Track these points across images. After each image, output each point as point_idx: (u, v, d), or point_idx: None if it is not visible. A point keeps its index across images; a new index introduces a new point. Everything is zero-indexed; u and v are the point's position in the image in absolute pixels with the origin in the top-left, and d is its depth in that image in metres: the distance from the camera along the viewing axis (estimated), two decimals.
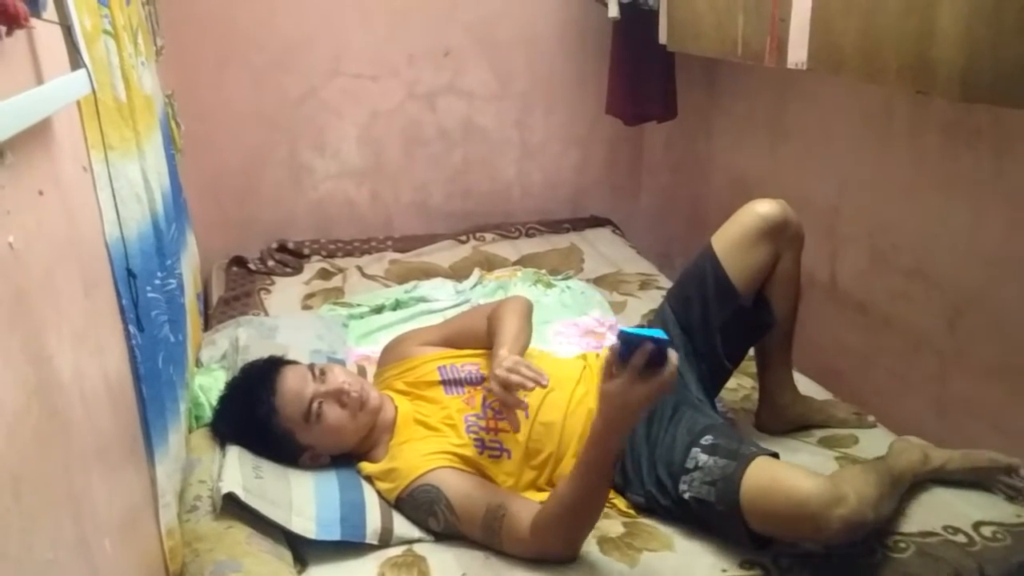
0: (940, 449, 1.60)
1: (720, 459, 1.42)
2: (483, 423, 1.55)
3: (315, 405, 1.52)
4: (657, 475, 1.51)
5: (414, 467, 1.50)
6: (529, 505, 1.43)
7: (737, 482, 1.36)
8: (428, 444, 1.54)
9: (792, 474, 1.36)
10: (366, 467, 1.57)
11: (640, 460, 1.55)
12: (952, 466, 1.56)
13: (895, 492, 1.46)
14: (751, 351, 1.79)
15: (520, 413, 1.49)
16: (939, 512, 1.50)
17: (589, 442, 1.31)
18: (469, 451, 1.52)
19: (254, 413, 1.53)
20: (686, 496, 1.44)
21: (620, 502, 1.56)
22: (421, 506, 1.47)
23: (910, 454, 1.56)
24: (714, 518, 1.40)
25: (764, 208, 1.63)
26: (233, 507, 1.40)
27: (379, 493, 1.53)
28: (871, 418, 1.79)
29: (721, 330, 1.66)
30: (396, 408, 1.63)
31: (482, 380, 1.61)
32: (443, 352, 1.74)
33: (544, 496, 1.54)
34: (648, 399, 1.22)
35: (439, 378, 1.66)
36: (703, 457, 1.44)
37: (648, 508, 1.53)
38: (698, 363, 1.68)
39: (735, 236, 1.64)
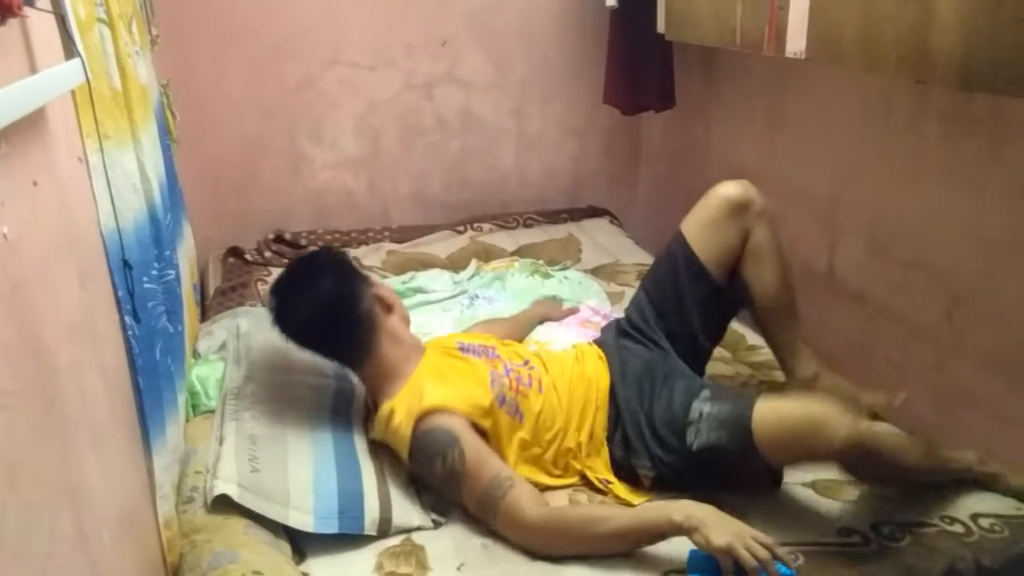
0: (1001, 461, 1.58)
1: (724, 404, 1.48)
2: (506, 380, 1.60)
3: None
4: (660, 435, 1.54)
5: (439, 396, 1.51)
6: (532, 492, 1.45)
7: (747, 419, 1.42)
8: (453, 387, 1.56)
9: (801, 400, 1.48)
10: (385, 407, 1.56)
11: (640, 426, 1.58)
12: (1017, 483, 1.53)
13: (923, 454, 1.49)
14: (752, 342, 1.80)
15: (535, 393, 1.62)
16: (937, 503, 1.50)
17: (655, 509, 1.37)
18: (488, 400, 1.54)
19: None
20: (695, 447, 1.48)
21: (619, 488, 1.57)
22: (434, 444, 1.47)
23: (966, 449, 1.57)
24: (729, 460, 1.44)
25: (727, 189, 1.72)
26: (229, 499, 1.40)
27: (388, 444, 1.56)
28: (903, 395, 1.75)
29: (695, 309, 1.72)
30: (423, 357, 1.65)
31: (499, 357, 1.67)
32: (462, 332, 1.85)
33: (547, 480, 1.58)
34: (735, 527, 1.28)
35: (458, 347, 1.70)
36: (705, 407, 1.50)
37: (656, 478, 1.55)
38: (673, 343, 1.73)
39: (702, 218, 1.73)
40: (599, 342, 1.81)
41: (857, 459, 1.43)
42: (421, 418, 1.49)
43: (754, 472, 1.42)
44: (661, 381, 1.62)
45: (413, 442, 1.49)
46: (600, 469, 1.60)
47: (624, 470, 1.60)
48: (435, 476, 1.49)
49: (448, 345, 1.71)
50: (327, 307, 1.60)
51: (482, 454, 1.47)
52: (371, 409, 1.68)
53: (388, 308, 1.66)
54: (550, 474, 1.60)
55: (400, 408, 1.53)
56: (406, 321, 1.71)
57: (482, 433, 1.52)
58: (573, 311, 2.19)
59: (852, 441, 1.36)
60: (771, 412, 1.43)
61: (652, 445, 1.55)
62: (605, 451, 1.62)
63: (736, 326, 2.07)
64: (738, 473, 1.49)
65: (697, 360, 1.78)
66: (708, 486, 1.49)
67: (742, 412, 1.44)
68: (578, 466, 1.61)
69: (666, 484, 1.55)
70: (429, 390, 1.53)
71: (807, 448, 1.43)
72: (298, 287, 1.63)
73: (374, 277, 1.79)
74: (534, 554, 1.40)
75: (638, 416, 1.59)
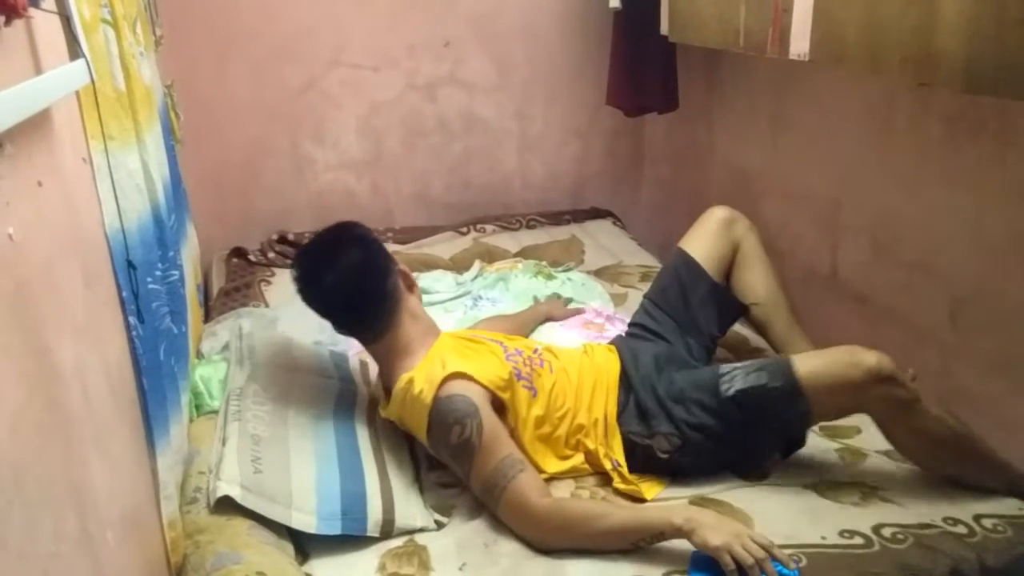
0: None
1: (757, 359, 1.61)
2: (519, 359, 1.64)
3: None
4: (688, 398, 1.60)
5: (461, 365, 1.53)
6: (539, 481, 1.47)
7: (787, 359, 1.54)
8: (473, 361, 1.58)
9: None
10: (403, 378, 1.56)
11: (658, 395, 1.64)
12: None
13: (959, 423, 1.53)
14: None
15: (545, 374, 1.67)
16: (939, 504, 1.50)
17: (656, 510, 1.44)
18: (507, 372, 1.57)
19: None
20: (730, 393, 1.55)
21: (627, 474, 1.57)
22: (454, 412, 1.47)
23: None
24: (768, 399, 1.52)
25: (718, 210, 1.98)
26: (232, 499, 1.40)
27: (404, 421, 1.58)
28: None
29: (700, 307, 1.87)
30: (439, 338, 1.68)
31: (507, 346, 1.70)
32: (467, 329, 1.92)
33: (556, 464, 1.60)
34: (732, 527, 1.32)
35: (468, 336, 1.74)
36: (737, 363, 1.61)
37: (675, 452, 1.57)
38: (684, 337, 1.83)
39: (698, 233, 1.96)
40: (609, 343, 1.87)
41: (890, 392, 1.47)
42: (444, 383, 1.50)
43: (787, 420, 1.51)
44: (675, 369, 1.71)
45: (433, 408, 1.49)
46: (615, 450, 1.62)
47: (639, 450, 1.61)
48: (448, 447, 1.49)
49: (460, 334, 1.75)
50: (358, 276, 1.61)
51: (498, 431, 1.48)
52: (381, 392, 1.69)
53: (411, 286, 1.69)
54: (560, 455, 1.62)
55: (420, 376, 1.54)
56: (421, 303, 1.75)
57: (501, 406, 1.54)
58: (578, 311, 2.20)
59: (884, 367, 1.45)
60: (807, 355, 1.60)
61: (676, 410, 1.60)
62: (619, 436, 1.63)
63: (739, 328, 2.07)
64: (771, 420, 1.55)
65: (706, 357, 1.85)
66: (732, 448, 1.57)
67: (779, 358, 1.57)
68: (590, 445, 1.63)
69: (684, 456, 1.57)
70: (451, 360, 1.55)
71: (844, 379, 1.48)
72: (330, 253, 1.64)
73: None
74: (532, 545, 1.41)
75: (655, 389, 1.65)
